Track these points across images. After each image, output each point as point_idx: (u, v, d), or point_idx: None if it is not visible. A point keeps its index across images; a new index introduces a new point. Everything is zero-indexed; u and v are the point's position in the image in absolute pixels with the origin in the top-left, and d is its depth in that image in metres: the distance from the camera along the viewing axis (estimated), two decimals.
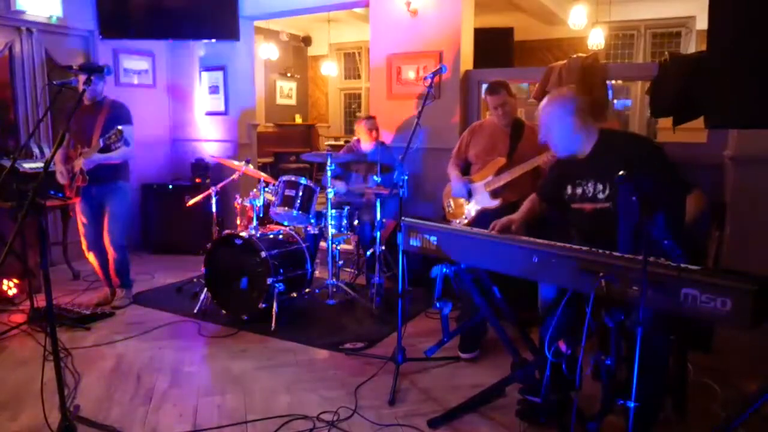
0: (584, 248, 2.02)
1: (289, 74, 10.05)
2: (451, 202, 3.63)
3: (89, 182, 3.66)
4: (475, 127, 3.62)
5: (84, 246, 3.91)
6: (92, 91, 3.68)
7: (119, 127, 3.35)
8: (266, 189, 4.01)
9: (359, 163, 4.35)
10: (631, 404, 1.68)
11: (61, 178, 3.71)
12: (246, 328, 3.47)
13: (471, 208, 3.46)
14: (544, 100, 2.33)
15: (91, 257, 3.93)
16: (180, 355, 3.14)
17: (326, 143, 9.81)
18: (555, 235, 2.26)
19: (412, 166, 4.56)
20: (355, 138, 4.60)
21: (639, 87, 7.59)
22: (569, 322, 2.16)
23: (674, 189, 2.14)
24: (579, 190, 2.32)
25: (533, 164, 3.17)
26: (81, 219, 3.85)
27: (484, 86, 4.67)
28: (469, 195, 3.46)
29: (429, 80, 3.02)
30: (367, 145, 4.45)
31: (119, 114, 3.69)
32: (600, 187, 2.22)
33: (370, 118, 4.49)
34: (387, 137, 4.78)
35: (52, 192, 4.12)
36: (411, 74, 4.66)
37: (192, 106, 5.89)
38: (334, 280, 3.91)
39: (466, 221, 3.46)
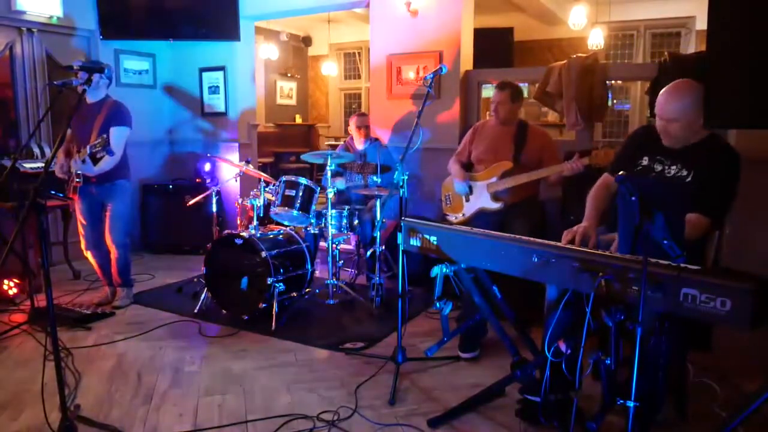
0: (584, 248, 2.02)
1: (289, 74, 10.06)
2: (450, 196, 3.61)
3: (89, 182, 3.68)
4: (477, 126, 3.60)
5: (82, 245, 3.91)
6: (94, 91, 3.69)
7: (104, 136, 3.36)
8: (266, 189, 4.02)
9: (353, 162, 4.37)
10: (631, 404, 1.69)
11: (59, 171, 3.72)
12: (246, 328, 3.48)
13: (470, 206, 3.45)
14: (677, 92, 2.23)
15: (89, 256, 3.94)
16: (180, 354, 3.14)
17: (326, 143, 9.82)
18: (556, 236, 2.26)
19: (411, 166, 4.57)
20: (349, 136, 4.62)
21: (639, 87, 7.60)
22: (569, 322, 2.16)
23: (712, 205, 2.17)
24: (658, 167, 2.31)
25: (540, 175, 3.17)
26: (80, 219, 3.85)
27: (485, 86, 4.70)
28: (470, 191, 3.45)
29: (429, 80, 3.02)
30: (358, 142, 4.47)
31: (116, 115, 3.69)
32: (685, 172, 2.23)
33: (358, 115, 4.50)
34: (387, 137, 4.78)
35: (53, 192, 4.13)
36: (411, 74, 4.66)
37: (192, 106, 5.89)
38: (334, 280, 3.91)
39: (462, 218, 3.45)
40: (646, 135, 2.47)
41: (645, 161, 2.36)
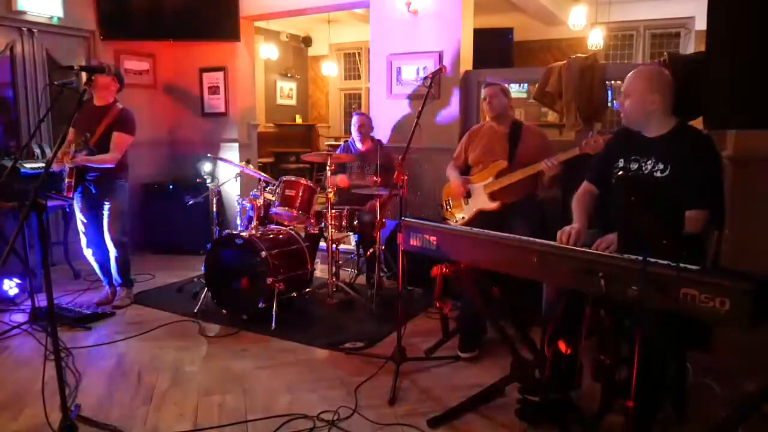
0: (584, 248, 2.03)
1: (289, 74, 10.06)
2: (450, 201, 3.64)
3: (88, 181, 3.73)
4: (473, 131, 3.63)
5: (83, 243, 3.94)
6: (103, 93, 3.73)
7: (88, 135, 3.54)
8: (266, 189, 4.02)
9: (353, 162, 4.37)
10: (631, 404, 1.69)
11: (57, 166, 3.74)
12: (246, 328, 3.48)
13: (469, 209, 3.47)
14: (635, 71, 2.35)
15: (89, 254, 3.96)
16: (180, 354, 3.14)
17: (326, 143, 9.82)
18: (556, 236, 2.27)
19: (411, 166, 4.57)
20: (350, 137, 4.61)
21: None
22: (569, 321, 2.16)
23: (703, 196, 2.19)
24: (634, 165, 2.34)
25: (535, 169, 3.19)
26: (80, 218, 3.88)
27: (484, 86, 4.70)
28: (468, 195, 3.47)
29: (429, 80, 3.03)
30: (357, 142, 4.46)
31: (120, 121, 3.72)
32: (661, 165, 2.26)
33: (358, 114, 4.48)
34: (386, 137, 4.78)
35: (53, 192, 4.14)
36: (411, 74, 4.66)
37: (192, 106, 5.90)
38: (334, 280, 3.91)
39: (463, 220, 3.47)
40: (619, 138, 2.53)
41: (621, 163, 2.40)
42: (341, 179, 4.28)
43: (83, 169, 3.67)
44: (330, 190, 3.83)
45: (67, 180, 3.66)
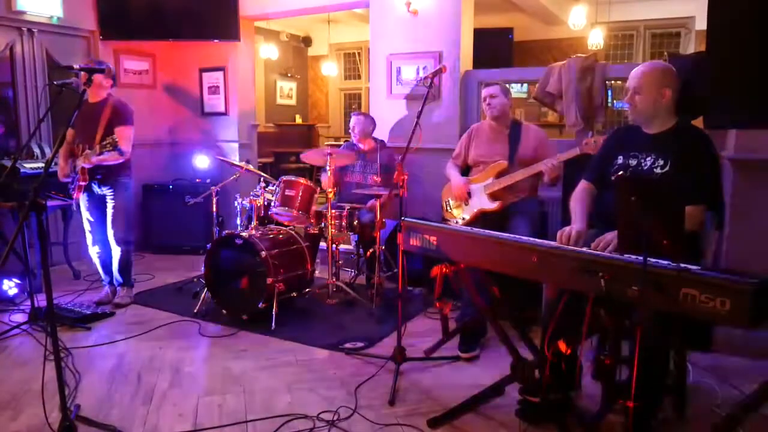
0: (584, 248, 2.03)
1: (289, 74, 10.06)
2: (450, 201, 3.64)
3: (93, 179, 3.72)
4: (473, 129, 3.63)
5: (89, 241, 3.96)
6: (96, 90, 3.72)
7: (114, 137, 3.37)
8: (266, 189, 4.02)
9: (356, 162, 4.36)
10: (631, 404, 1.69)
11: (61, 174, 3.78)
12: (246, 328, 3.48)
13: (469, 209, 3.48)
14: (644, 67, 2.38)
15: (93, 252, 3.98)
16: (180, 354, 3.14)
17: (326, 143, 9.81)
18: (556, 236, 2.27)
19: (411, 166, 4.56)
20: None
21: None
22: (569, 322, 2.16)
23: (703, 193, 2.20)
24: (633, 162, 2.35)
25: (535, 170, 3.19)
26: (87, 216, 3.90)
27: (484, 87, 4.70)
28: (469, 196, 3.47)
29: (429, 80, 3.03)
30: (356, 142, 4.44)
31: (120, 114, 3.72)
32: (660, 161, 2.27)
33: (354, 115, 4.45)
34: (386, 137, 4.78)
35: (53, 195, 4.15)
36: (411, 74, 4.66)
37: (192, 106, 5.90)
38: (334, 280, 3.91)
39: (463, 221, 3.47)
40: (619, 135, 2.55)
41: (620, 160, 2.40)
42: (324, 182, 4.23)
43: (93, 168, 3.67)
44: (330, 190, 3.83)
45: (80, 182, 3.66)
